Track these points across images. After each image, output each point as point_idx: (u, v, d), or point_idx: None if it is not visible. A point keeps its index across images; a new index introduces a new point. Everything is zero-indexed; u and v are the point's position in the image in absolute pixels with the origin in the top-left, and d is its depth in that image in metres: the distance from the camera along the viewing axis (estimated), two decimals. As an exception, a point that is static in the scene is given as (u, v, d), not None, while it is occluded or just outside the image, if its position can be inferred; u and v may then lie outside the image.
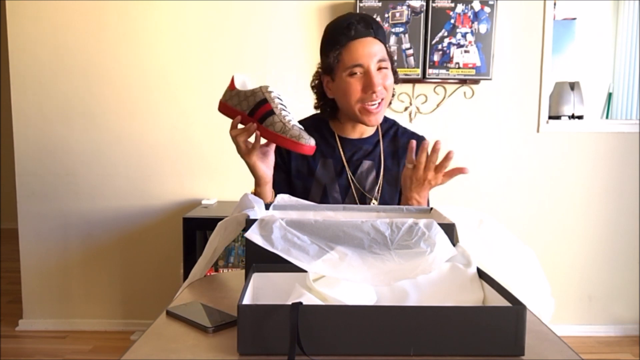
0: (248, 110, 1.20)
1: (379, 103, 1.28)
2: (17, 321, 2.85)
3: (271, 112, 1.18)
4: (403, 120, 2.69)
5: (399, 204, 1.38)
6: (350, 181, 1.37)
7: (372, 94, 1.25)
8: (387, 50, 1.30)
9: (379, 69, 1.27)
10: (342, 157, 1.38)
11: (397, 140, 1.42)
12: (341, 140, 1.39)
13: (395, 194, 1.39)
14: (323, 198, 1.36)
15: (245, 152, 1.20)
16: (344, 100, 1.30)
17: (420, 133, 1.46)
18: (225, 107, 1.25)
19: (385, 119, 1.44)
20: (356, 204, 1.35)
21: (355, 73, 1.26)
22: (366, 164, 1.38)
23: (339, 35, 1.27)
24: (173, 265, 2.76)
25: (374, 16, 2.54)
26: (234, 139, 1.20)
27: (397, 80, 1.36)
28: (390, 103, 1.37)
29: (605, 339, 2.79)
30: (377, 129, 1.42)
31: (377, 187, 1.37)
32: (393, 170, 1.39)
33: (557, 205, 2.79)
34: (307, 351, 0.68)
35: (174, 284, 2.70)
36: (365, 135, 1.40)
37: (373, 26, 1.27)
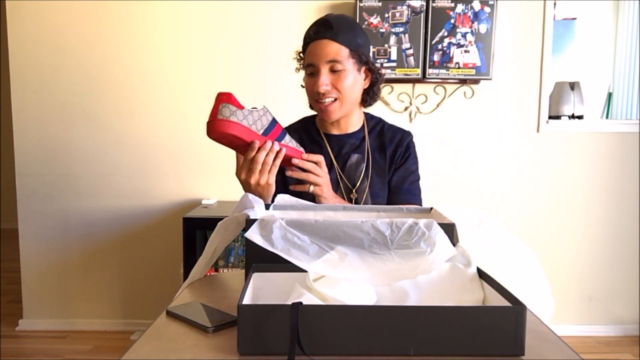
0: (262, 130, 1.18)
1: (332, 101, 1.34)
2: (17, 321, 2.85)
3: (285, 131, 1.23)
4: (403, 120, 2.70)
5: (388, 197, 1.43)
6: (338, 176, 1.41)
7: (317, 93, 1.32)
8: (352, 52, 1.31)
9: (332, 70, 1.31)
10: (330, 152, 1.42)
11: (384, 134, 1.46)
12: (327, 137, 1.44)
13: (384, 185, 1.43)
14: None
15: (268, 173, 1.19)
16: (307, 97, 1.40)
17: (406, 129, 1.48)
18: (236, 127, 1.13)
19: (372, 117, 1.49)
20: (347, 197, 1.40)
21: (311, 73, 1.34)
22: (354, 157, 1.42)
23: (304, 37, 1.36)
24: (173, 265, 2.76)
25: (373, 16, 2.55)
26: (256, 162, 1.17)
27: (376, 81, 1.40)
28: (367, 103, 1.42)
29: (605, 339, 2.79)
30: (363, 125, 1.46)
31: (367, 179, 1.41)
32: (381, 162, 1.43)
33: (557, 205, 2.79)
34: (307, 351, 0.68)
35: (174, 284, 2.70)
36: (350, 131, 1.44)
37: (334, 28, 1.30)
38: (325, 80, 1.31)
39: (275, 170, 1.20)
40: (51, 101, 2.73)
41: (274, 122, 1.20)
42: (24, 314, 2.86)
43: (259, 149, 1.17)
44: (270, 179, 1.20)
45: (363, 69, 1.37)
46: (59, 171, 2.77)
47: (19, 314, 2.87)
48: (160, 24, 2.69)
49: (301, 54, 1.39)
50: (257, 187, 1.20)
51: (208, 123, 1.16)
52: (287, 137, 1.23)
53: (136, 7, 2.67)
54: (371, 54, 2.53)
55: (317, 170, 1.26)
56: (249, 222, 0.89)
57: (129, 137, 2.74)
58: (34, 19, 2.67)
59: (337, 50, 1.30)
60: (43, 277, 2.83)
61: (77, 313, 2.85)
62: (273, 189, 1.23)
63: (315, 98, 1.35)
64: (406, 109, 2.71)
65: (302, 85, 1.41)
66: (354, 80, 1.34)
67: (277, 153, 1.19)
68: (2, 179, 4.93)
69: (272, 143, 1.18)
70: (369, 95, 1.42)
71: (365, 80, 1.39)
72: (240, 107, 1.15)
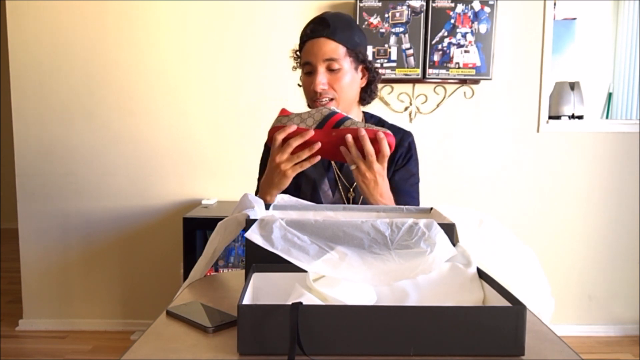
0: (315, 124, 1.20)
1: (329, 101, 1.32)
2: (17, 321, 2.85)
3: (346, 117, 1.23)
4: (403, 120, 2.70)
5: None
6: (336, 175, 1.41)
7: (314, 92, 1.31)
8: (349, 50, 1.31)
9: (329, 68, 1.31)
10: None
11: None
12: None
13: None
14: (313, 193, 1.40)
15: (294, 164, 1.21)
16: (305, 96, 1.38)
17: (407, 129, 1.47)
18: (278, 128, 1.22)
19: (371, 116, 1.48)
20: (345, 196, 1.39)
21: (308, 72, 1.33)
22: None
23: (301, 35, 1.35)
24: (173, 265, 2.76)
25: (373, 16, 2.55)
26: (289, 145, 1.19)
27: (373, 79, 1.39)
28: (365, 101, 1.42)
29: (605, 339, 2.79)
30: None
31: None
32: None
33: (557, 205, 2.79)
34: (307, 351, 0.68)
35: (174, 284, 2.70)
36: None
37: (331, 26, 1.29)
38: (322, 79, 1.30)
39: (299, 167, 1.21)
40: (51, 101, 2.73)
41: (330, 114, 1.21)
42: (24, 314, 2.86)
43: (293, 134, 1.19)
44: (291, 169, 1.20)
45: (360, 67, 1.36)
46: (58, 171, 2.77)
47: (19, 314, 2.87)
48: (161, 24, 2.69)
49: (298, 52, 1.38)
50: (277, 167, 1.20)
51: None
52: (349, 122, 1.20)
53: (136, 7, 2.67)
54: (370, 53, 2.53)
55: (373, 157, 1.18)
56: (249, 222, 0.89)
57: (129, 137, 2.75)
58: (34, 19, 2.67)
59: (334, 48, 1.29)
60: (43, 277, 2.83)
61: (77, 313, 2.85)
62: (288, 182, 1.23)
63: (312, 97, 1.34)
64: (406, 109, 2.71)
65: (298, 84, 1.41)
66: (351, 79, 1.34)
67: (311, 147, 1.18)
68: (2, 179, 4.93)
69: (308, 132, 1.18)
70: (367, 94, 1.41)
71: (362, 79, 1.39)
72: (287, 113, 1.24)
